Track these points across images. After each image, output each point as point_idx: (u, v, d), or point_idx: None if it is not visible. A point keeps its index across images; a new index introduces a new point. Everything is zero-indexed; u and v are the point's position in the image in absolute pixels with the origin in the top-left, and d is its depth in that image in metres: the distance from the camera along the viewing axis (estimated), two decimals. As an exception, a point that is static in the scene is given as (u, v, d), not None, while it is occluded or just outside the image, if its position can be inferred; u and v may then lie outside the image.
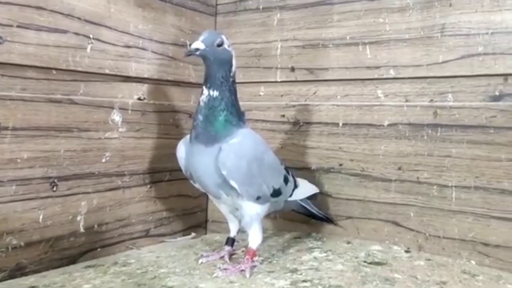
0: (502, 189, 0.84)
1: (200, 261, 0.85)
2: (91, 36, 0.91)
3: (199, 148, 0.78)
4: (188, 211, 1.16)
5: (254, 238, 0.81)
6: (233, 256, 0.88)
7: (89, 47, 0.91)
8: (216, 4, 1.20)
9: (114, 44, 0.95)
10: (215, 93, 0.77)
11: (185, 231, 1.15)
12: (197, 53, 0.76)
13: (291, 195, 0.88)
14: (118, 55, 0.96)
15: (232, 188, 0.77)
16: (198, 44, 0.76)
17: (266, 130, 1.12)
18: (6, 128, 0.79)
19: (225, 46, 0.78)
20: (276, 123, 1.11)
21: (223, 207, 0.88)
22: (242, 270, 0.78)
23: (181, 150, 0.85)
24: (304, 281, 0.73)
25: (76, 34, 0.88)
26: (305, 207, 0.95)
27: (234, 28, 1.17)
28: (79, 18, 0.89)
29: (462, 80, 0.88)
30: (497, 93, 0.85)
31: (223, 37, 0.78)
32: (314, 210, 0.96)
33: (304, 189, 0.93)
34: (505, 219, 0.83)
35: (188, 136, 0.84)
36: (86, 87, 0.91)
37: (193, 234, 1.14)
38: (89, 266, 0.85)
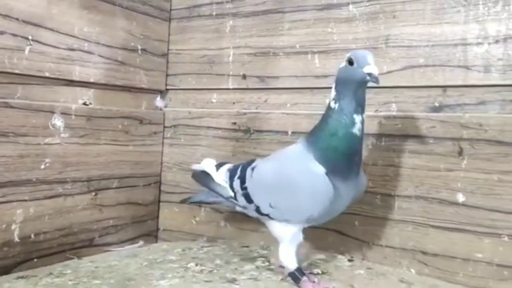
0: (441, 198, 0.85)
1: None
2: (30, 37, 0.88)
3: (351, 181, 0.71)
4: (138, 220, 1.13)
5: None
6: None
7: (27, 48, 0.88)
8: (170, 9, 1.18)
9: (55, 47, 0.92)
10: (364, 117, 0.70)
11: (134, 240, 1.12)
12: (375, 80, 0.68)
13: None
14: (60, 58, 0.94)
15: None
16: (376, 70, 0.68)
17: (218, 138, 1.11)
18: None
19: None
20: (227, 131, 1.10)
21: (300, 236, 0.77)
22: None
23: (330, 191, 0.69)
24: (240, 292, 0.72)
25: (14, 35, 0.85)
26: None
27: (187, 34, 1.16)
28: (17, 19, 0.86)
29: (405, 90, 0.90)
30: (436, 104, 0.87)
31: None
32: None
33: None
34: (443, 228, 0.84)
35: (321, 171, 0.69)
36: (24, 90, 0.88)
37: (140, 243, 1.11)
38: (22, 277, 0.81)
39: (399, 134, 0.89)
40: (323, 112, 0.99)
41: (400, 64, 0.90)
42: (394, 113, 0.91)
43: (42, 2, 0.90)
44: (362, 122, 0.70)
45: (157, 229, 1.19)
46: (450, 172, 0.84)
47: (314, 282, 0.74)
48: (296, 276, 0.74)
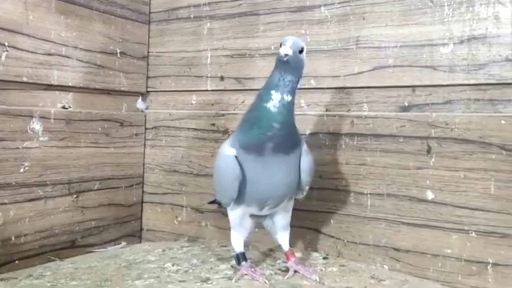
0: (411, 196, 0.87)
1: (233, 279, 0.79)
2: (6, 43, 0.89)
3: (279, 159, 0.73)
4: (121, 220, 1.15)
5: (288, 239, 0.84)
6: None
7: (4, 54, 0.89)
8: (150, 13, 1.20)
9: (33, 52, 0.94)
10: (288, 98, 0.72)
11: (117, 241, 1.13)
12: (285, 58, 0.71)
13: None
14: (37, 63, 0.95)
15: (296, 192, 0.80)
16: (288, 50, 0.71)
17: (197, 139, 1.13)
18: None
19: (304, 54, 0.75)
20: (206, 132, 1.11)
21: (248, 221, 0.81)
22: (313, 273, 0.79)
23: (235, 170, 0.74)
24: (211, 291, 0.74)
25: (-11, 41, 0.87)
26: None
27: (166, 36, 1.17)
28: (-8, 26, 0.87)
29: (375, 91, 0.91)
30: (406, 104, 0.88)
31: (303, 44, 0.75)
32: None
33: None
34: (414, 225, 0.86)
35: (230, 152, 0.75)
36: (1, 95, 0.90)
37: (123, 244, 1.13)
38: (2, 279, 0.83)
39: (371, 134, 0.91)
40: (298, 112, 1.01)
41: (370, 65, 0.91)
42: (365, 113, 0.92)
43: (18, 8, 0.91)
44: (282, 101, 0.72)
45: (141, 229, 1.21)
46: (419, 170, 0.86)
47: (252, 268, 0.79)
48: (238, 259, 0.81)
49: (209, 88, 1.12)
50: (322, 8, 0.96)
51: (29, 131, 0.94)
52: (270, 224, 0.83)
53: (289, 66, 0.72)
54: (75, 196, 1.04)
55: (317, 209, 0.97)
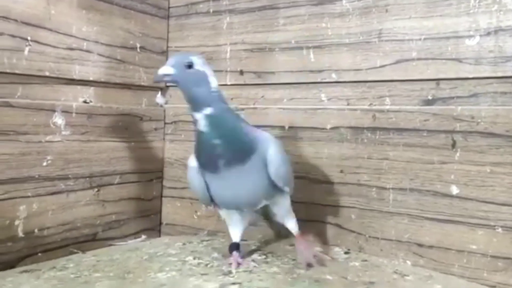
0: (435, 191, 0.85)
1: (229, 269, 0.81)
2: (28, 38, 0.90)
3: (235, 171, 0.73)
4: (141, 214, 1.15)
5: (295, 223, 0.86)
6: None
7: (26, 49, 0.90)
8: (169, 7, 1.20)
9: (55, 47, 0.95)
10: (207, 111, 0.72)
11: (137, 234, 1.14)
12: (168, 79, 0.72)
13: None
14: (59, 58, 0.96)
15: (276, 191, 0.79)
16: (167, 70, 0.71)
17: (216, 133, 1.12)
18: None
19: (197, 67, 0.73)
20: (225, 126, 1.11)
21: (237, 216, 0.84)
22: (315, 256, 0.83)
23: (199, 180, 0.78)
24: (234, 283, 0.74)
25: (12, 36, 0.87)
26: None
27: (186, 31, 1.17)
28: (15, 20, 0.88)
29: (398, 84, 0.90)
30: (430, 97, 0.87)
31: (193, 58, 0.73)
32: None
33: None
34: (438, 220, 0.85)
35: (192, 164, 0.78)
36: (25, 89, 0.91)
37: (143, 237, 1.13)
38: (26, 271, 0.84)
39: (393, 128, 0.90)
40: (318, 106, 1.01)
41: (393, 58, 0.90)
42: (388, 107, 0.91)
43: (40, 3, 0.92)
44: (207, 118, 0.72)
45: (160, 223, 1.21)
46: (443, 164, 0.85)
47: (239, 260, 0.82)
48: (230, 247, 0.85)
49: (228, 83, 1.11)
50: (344, 1, 0.95)
51: (51, 125, 0.95)
52: (273, 217, 0.87)
53: (181, 84, 0.72)
54: (96, 189, 1.04)
55: (338, 203, 0.96)
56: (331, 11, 0.97)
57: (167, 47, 1.20)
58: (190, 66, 0.72)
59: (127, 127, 1.11)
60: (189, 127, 1.17)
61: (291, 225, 0.86)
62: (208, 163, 0.74)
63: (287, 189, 0.80)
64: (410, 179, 0.88)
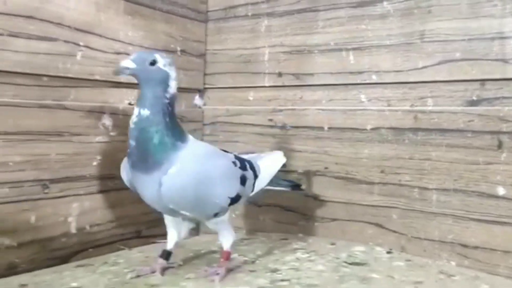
0: (480, 191, 0.85)
1: (129, 275, 0.80)
2: (81, 43, 0.94)
3: (139, 177, 0.74)
4: (180, 213, 1.19)
5: (226, 239, 0.81)
6: (167, 270, 0.82)
7: (79, 54, 0.94)
8: (207, 11, 1.23)
9: (104, 51, 0.99)
10: (145, 112, 0.72)
11: (177, 233, 1.17)
12: (127, 72, 0.73)
13: (252, 190, 0.84)
14: (108, 62, 1.00)
15: (176, 209, 0.76)
16: (128, 63, 0.73)
17: (255, 134, 1.15)
18: (-2, 133, 0.83)
19: (160, 65, 0.74)
20: (264, 127, 1.13)
21: (171, 219, 0.83)
22: (217, 274, 0.77)
23: (124, 172, 0.81)
24: (283, 280, 0.76)
25: (66, 41, 0.92)
26: (273, 187, 0.91)
27: (224, 34, 1.20)
28: (68, 27, 0.92)
29: (441, 85, 0.90)
30: (474, 98, 0.87)
31: (157, 56, 0.74)
32: (282, 185, 0.94)
33: (267, 172, 0.87)
34: (483, 221, 0.85)
35: (125, 161, 0.80)
36: (77, 92, 0.95)
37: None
38: (80, 266, 0.88)
39: (436, 128, 0.91)
40: (358, 107, 1.02)
41: (436, 59, 0.91)
42: (430, 108, 0.92)
43: (91, 10, 0.96)
44: (140, 117, 0.72)
45: (199, 222, 1.24)
46: (489, 165, 0.85)
47: (155, 269, 0.81)
48: (161, 252, 0.83)
49: (266, 84, 1.14)
50: (385, 3, 0.96)
51: (100, 126, 0.99)
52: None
53: (140, 79, 0.74)
54: (140, 189, 1.08)
55: (379, 204, 0.97)
56: (371, 13, 0.98)
57: (206, 50, 1.23)
58: (153, 63, 0.73)
59: (169, 128, 1.14)
60: (227, 128, 1.20)
61: (223, 241, 0.82)
62: (128, 159, 0.76)
63: (185, 212, 0.76)
64: (454, 179, 0.88)
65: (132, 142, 0.72)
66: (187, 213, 0.76)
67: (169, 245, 0.84)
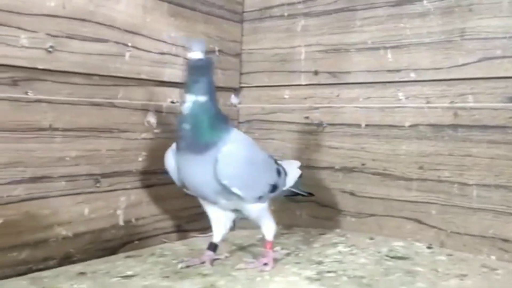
0: (522, 187, 0.86)
1: (179, 265, 0.83)
2: (129, 44, 0.98)
3: (192, 158, 0.78)
4: (217, 209, 1.22)
5: (268, 230, 0.85)
6: (215, 261, 0.85)
7: (127, 54, 0.98)
8: (243, 12, 1.26)
9: (149, 51, 1.03)
10: (202, 98, 0.76)
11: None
12: (200, 62, 0.77)
13: (284, 185, 0.89)
14: (153, 62, 1.04)
15: (233, 193, 0.78)
16: (199, 54, 0.77)
17: (291, 132, 1.18)
18: (57, 129, 0.87)
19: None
20: (300, 125, 1.16)
21: (215, 211, 0.86)
22: (265, 264, 0.81)
23: (170, 161, 0.84)
24: (329, 271, 0.78)
25: (116, 42, 0.96)
26: (293, 190, 0.96)
27: (259, 34, 1.23)
28: (119, 28, 0.96)
29: (481, 82, 0.92)
30: (515, 95, 0.88)
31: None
32: (299, 190, 0.98)
33: (292, 174, 0.93)
34: (525, 216, 0.86)
35: (173, 146, 0.84)
36: (125, 91, 0.99)
37: (221, 230, 1.20)
38: (129, 256, 0.92)
39: (476, 125, 0.92)
40: (396, 105, 1.04)
41: (476, 56, 0.92)
42: (470, 104, 0.93)
43: (139, 12, 1.00)
44: (195, 103, 0.76)
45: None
46: (531, 161, 0.85)
47: (205, 260, 0.84)
48: (208, 245, 0.87)
49: (302, 83, 1.16)
50: (425, 1, 0.98)
51: (146, 123, 1.03)
52: (247, 218, 0.87)
53: (202, 68, 0.77)
54: (180, 184, 1.12)
55: (418, 199, 0.99)
56: (410, 12, 1.00)
57: (241, 49, 1.26)
58: (205, 51, 0.78)
59: (207, 126, 1.18)
60: (263, 126, 1.23)
61: (264, 231, 0.85)
62: (178, 143, 0.80)
63: (236, 190, 0.78)
64: (495, 175, 0.89)
65: (187, 126, 0.77)
66: (237, 191, 0.78)
67: (215, 238, 0.87)
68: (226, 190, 0.78)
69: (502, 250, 0.88)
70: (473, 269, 0.81)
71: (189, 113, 0.77)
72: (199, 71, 0.77)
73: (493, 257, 0.89)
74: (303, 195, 1.01)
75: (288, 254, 0.90)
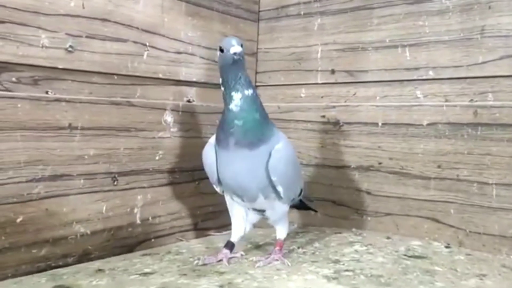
0: (544, 186, 0.85)
1: (195, 262, 0.84)
2: (147, 43, 0.99)
3: (242, 153, 0.77)
4: (232, 207, 1.22)
5: (283, 231, 0.87)
6: (231, 260, 0.85)
7: (145, 54, 0.99)
8: (259, 11, 1.26)
9: (166, 51, 1.04)
10: (249, 92, 0.77)
11: (228, 226, 1.21)
12: (238, 57, 0.76)
13: (300, 194, 0.90)
14: (170, 61, 1.05)
15: (273, 191, 0.80)
16: (239, 48, 0.76)
17: (306, 130, 1.17)
18: (76, 128, 0.88)
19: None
20: (316, 123, 1.16)
21: (239, 211, 0.87)
22: (276, 260, 0.82)
23: (211, 156, 0.83)
24: (347, 270, 0.78)
25: (135, 42, 0.97)
26: (303, 201, 0.98)
27: (276, 33, 1.23)
28: (137, 28, 0.97)
29: (502, 80, 0.90)
30: (537, 93, 0.87)
31: None
32: (307, 202, 1.01)
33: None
34: (547, 216, 0.84)
35: (212, 141, 0.84)
36: (142, 90, 1.00)
37: (237, 229, 1.20)
38: (146, 254, 0.93)
39: (497, 123, 0.90)
40: (413, 103, 1.03)
41: (497, 54, 0.90)
42: (491, 103, 0.92)
43: (157, 12, 1.01)
44: (244, 98, 0.76)
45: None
46: (553, 160, 0.84)
47: (221, 258, 0.84)
48: (226, 243, 0.87)
49: (319, 81, 1.16)
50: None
51: (163, 122, 1.04)
52: (268, 218, 0.88)
53: (241, 63, 0.76)
54: (196, 183, 1.12)
55: (435, 198, 0.98)
56: (428, 9, 0.99)
57: (257, 48, 1.26)
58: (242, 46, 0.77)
59: (223, 125, 1.18)
60: (279, 125, 1.20)
61: (279, 231, 0.87)
62: (223, 139, 0.79)
63: (280, 189, 0.79)
64: (516, 174, 0.88)
65: (238, 122, 0.76)
66: (280, 190, 0.79)
67: (234, 237, 0.88)
68: (270, 187, 0.79)
69: (523, 251, 0.87)
70: (492, 269, 0.80)
71: (239, 109, 0.77)
72: (238, 65, 0.77)
73: (513, 258, 0.88)
74: (307, 209, 1.02)
75: (304, 253, 0.90)
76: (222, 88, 0.79)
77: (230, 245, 0.87)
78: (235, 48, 0.75)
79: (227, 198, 0.88)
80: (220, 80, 0.80)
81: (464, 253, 0.89)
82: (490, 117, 0.91)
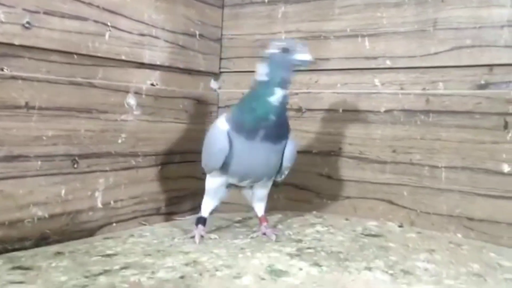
0: (486, 169, 0.92)
1: (185, 236, 0.89)
2: (109, 23, 0.97)
3: (267, 146, 0.82)
4: (196, 192, 1.22)
5: (263, 207, 0.93)
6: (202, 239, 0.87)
7: (107, 34, 0.97)
8: (224, -3, 1.26)
9: (130, 32, 1.02)
10: (287, 93, 0.82)
11: (193, 211, 1.21)
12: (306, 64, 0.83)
13: None
14: (133, 43, 1.03)
15: (273, 174, 0.87)
16: (309, 56, 0.82)
17: (269, 116, 1.19)
18: (33, 107, 0.85)
19: None
20: (279, 110, 1.18)
21: (218, 190, 0.90)
22: (276, 234, 0.88)
23: (223, 143, 0.82)
24: (309, 248, 0.81)
25: (96, 21, 0.95)
26: None
27: (240, 20, 1.24)
28: (98, 7, 0.95)
29: (452, 70, 0.97)
30: (482, 82, 0.94)
31: None
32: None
33: None
34: (489, 196, 0.92)
35: (223, 127, 0.83)
36: (104, 71, 0.98)
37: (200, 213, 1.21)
38: (107, 238, 0.92)
39: (447, 111, 0.97)
40: (372, 91, 1.08)
41: (448, 45, 0.97)
42: (441, 91, 0.98)
43: (119, -9, 0.99)
44: (284, 97, 0.82)
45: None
46: (495, 144, 0.91)
47: (202, 233, 0.87)
48: (197, 220, 0.90)
49: (282, 69, 1.18)
50: (400, -8, 1.02)
51: (125, 105, 1.02)
52: (249, 195, 0.93)
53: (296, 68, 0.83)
54: (160, 167, 1.12)
55: (391, 182, 1.03)
56: (386, 1, 1.04)
57: (222, 34, 1.27)
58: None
59: (187, 110, 1.18)
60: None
61: (260, 208, 0.92)
62: (249, 130, 0.81)
63: (286, 172, 0.89)
64: (462, 158, 0.95)
65: (273, 117, 0.81)
66: (286, 171, 0.89)
67: (205, 213, 0.91)
68: (273, 172, 0.87)
69: (468, 228, 0.94)
70: (441, 245, 0.86)
71: (278, 105, 0.81)
72: (294, 68, 0.82)
73: (459, 235, 0.95)
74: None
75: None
76: (264, 79, 0.82)
77: (202, 221, 0.89)
78: (308, 56, 0.82)
79: (212, 178, 0.89)
80: (265, 72, 0.82)
81: (415, 232, 0.95)
82: (440, 105, 0.97)
